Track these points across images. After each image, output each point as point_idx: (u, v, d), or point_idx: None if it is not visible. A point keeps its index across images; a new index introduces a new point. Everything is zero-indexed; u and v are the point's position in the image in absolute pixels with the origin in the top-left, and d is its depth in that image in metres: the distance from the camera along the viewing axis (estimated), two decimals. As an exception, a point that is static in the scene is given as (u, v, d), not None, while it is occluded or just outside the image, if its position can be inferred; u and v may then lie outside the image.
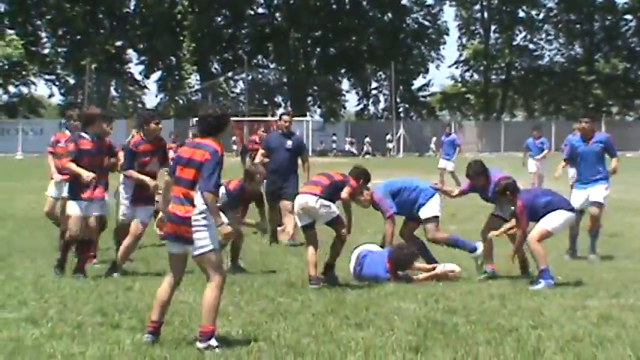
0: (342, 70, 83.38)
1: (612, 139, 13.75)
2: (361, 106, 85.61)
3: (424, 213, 11.96)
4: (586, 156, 13.40)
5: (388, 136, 67.45)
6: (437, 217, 12.03)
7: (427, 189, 12.08)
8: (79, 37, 75.57)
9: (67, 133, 13.70)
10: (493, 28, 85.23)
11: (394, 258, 11.36)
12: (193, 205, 7.47)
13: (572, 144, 13.88)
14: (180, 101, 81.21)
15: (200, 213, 7.45)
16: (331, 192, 10.80)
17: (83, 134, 11.47)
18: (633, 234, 15.90)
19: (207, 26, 77.02)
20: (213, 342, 7.41)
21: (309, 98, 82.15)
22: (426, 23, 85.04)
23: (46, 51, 78.97)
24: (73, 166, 11.32)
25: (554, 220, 11.01)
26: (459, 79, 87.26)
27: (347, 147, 68.27)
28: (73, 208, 11.43)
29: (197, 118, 8.09)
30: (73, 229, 11.38)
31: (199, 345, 7.41)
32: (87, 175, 11.13)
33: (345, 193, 10.76)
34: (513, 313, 9.18)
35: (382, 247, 11.84)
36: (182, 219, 7.50)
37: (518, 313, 9.18)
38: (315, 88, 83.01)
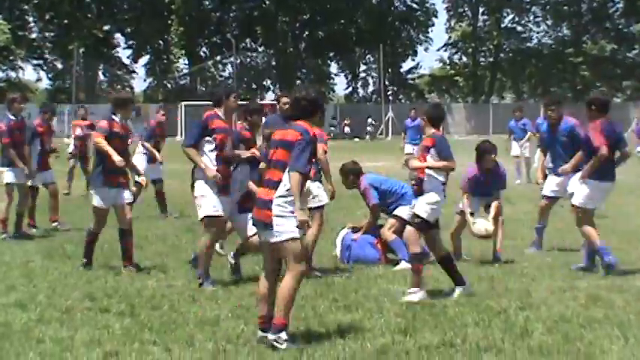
0: (331, 54, 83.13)
1: (581, 126, 12.30)
2: (350, 89, 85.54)
3: (398, 210, 11.57)
4: (553, 144, 12.52)
5: (370, 120, 67.30)
6: (405, 220, 11.22)
7: (411, 195, 11.59)
8: (66, 21, 75.10)
9: (12, 117, 13.77)
10: (481, 10, 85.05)
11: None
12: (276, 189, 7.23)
13: (541, 131, 13.32)
14: (169, 85, 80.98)
15: (281, 197, 7.16)
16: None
17: (114, 117, 10.94)
18: (621, 216, 15.93)
19: (195, 10, 76.63)
20: (283, 335, 7.09)
21: (298, 82, 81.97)
22: (414, 6, 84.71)
23: (34, 35, 78.57)
24: (105, 145, 10.69)
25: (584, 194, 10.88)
26: (448, 62, 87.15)
27: (346, 129, 68.01)
28: (100, 201, 10.79)
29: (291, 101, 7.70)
30: (101, 222, 10.86)
31: (269, 336, 7.15)
32: (119, 159, 10.61)
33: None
34: (502, 295, 9.22)
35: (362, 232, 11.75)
36: (264, 202, 7.24)
37: (507, 295, 9.22)
38: (304, 71, 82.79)
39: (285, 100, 12.99)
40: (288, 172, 7.13)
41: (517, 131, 24.11)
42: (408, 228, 9.49)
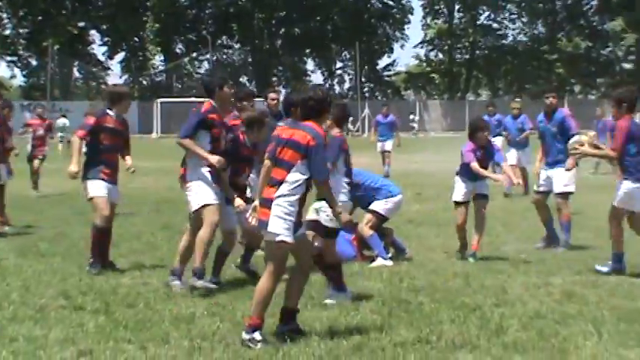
0: (307, 50, 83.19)
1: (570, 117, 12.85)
2: (326, 86, 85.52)
3: (374, 205, 11.41)
4: (546, 135, 12.74)
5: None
6: (381, 215, 11.43)
7: (386, 189, 11.58)
8: (40, 17, 74.76)
9: None
10: (457, 7, 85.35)
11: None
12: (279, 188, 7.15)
13: (537, 122, 13.24)
14: (145, 82, 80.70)
15: (282, 196, 7.09)
16: None
17: (108, 111, 10.64)
18: (596, 212, 15.98)
19: (170, 7, 76.44)
20: (257, 335, 7.05)
21: (274, 78, 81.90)
22: (391, 3, 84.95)
23: (7, 32, 78.09)
24: (76, 147, 10.53)
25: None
26: (424, 59, 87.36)
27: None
28: (98, 190, 10.38)
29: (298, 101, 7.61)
30: (105, 212, 10.35)
31: (243, 335, 7.11)
32: (73, 170, 10.33)
33: None
34: (477, 292, 9.23)
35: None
36: (266, 200, 7.16)
37: (482, 292, 9.23)
38: (280, 68, 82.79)
39: (273, 96, 12.64)
40: (316, 185, 7.22)
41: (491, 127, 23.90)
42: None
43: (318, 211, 8.56)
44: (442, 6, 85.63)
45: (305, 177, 7.13)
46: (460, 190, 11.69)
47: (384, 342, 7.18)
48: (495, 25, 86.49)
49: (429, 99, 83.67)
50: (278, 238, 7.05)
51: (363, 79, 79.83)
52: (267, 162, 7.36)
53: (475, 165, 11.36)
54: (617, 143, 10.50)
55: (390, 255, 11.20)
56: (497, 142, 23.04)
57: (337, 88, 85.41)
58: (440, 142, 39.51)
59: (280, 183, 7.11)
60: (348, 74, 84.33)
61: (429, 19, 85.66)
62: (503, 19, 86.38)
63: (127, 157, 10.97)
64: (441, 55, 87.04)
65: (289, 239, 7.06)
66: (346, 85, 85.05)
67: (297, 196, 7.10)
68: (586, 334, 7.42)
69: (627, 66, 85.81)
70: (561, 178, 12.42)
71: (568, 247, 12.28)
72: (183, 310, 8.26)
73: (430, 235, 12.30)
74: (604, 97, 75.32)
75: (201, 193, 9.30)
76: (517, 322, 7.85)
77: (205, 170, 9.34)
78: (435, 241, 12.30)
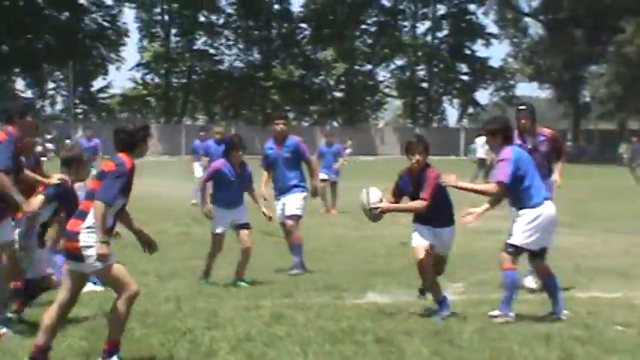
0: (17, 69, 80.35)
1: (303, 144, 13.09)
2: (38, 106, 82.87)
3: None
4: (278, 162, 12.84)
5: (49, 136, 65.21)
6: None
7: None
8: None
9: None
10: (174, 31, 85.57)
11: None
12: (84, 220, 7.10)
13: (265, 149, 13.17)
14: None
15: (89, 227, 7.09)
16: None
17: None
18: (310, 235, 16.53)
19: None
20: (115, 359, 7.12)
21: (-19, 98, 78.50)
22: (105, 24, 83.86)
23: None
24: None
25: None
26: (140, 82, 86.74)
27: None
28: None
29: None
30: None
31: None
32: None
33: None
34: (188, 315, 9.29)
35: None
36: (71, 233, 7.13)
37: (194, 315, 9.30)
38: (-12, 87, 79.47)
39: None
40: (94, 200, 7.07)
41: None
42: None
43: None
44: (159, 29, 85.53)
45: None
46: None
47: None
48: (212, 51, 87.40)
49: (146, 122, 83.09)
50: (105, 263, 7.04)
51: (76, 101, 78.10)
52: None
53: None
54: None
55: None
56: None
57: (49, 109, 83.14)
58: (155, 165, 39.39)
59: (86, 215, 7.13)
60: (61, 95, 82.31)
61: (145, 42, 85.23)
62: (219, 44, 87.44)
63: None
64: (157, 79, 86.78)
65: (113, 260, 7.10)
66: (59, 106, 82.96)
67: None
68: (293, 355, 7.66)
69: (338, 94, 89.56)
70: (293, 202, 12.79)
71: (302, 269, 12.62)
72: None
73: (143, 259, 12.19)
74: (316, 125, 78.12)
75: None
76: (227, 345, 7.98)
77: None
78: (149, 266, 12.24)
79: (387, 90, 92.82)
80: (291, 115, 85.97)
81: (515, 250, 9.30)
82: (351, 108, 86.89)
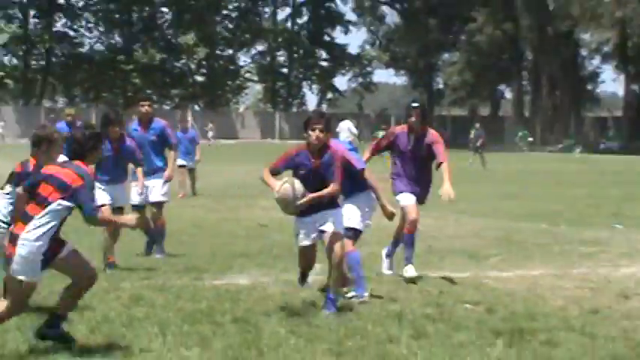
0: None
1: (170, 128, 12.81)
2: None
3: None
4: (144, 144, 12.30)
5: None
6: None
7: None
8: None
9: None
10: (32, 12, 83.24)
11: None
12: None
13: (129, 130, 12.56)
14: None
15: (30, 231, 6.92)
16: None
17: None
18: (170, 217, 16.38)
19: None
20: None
21: None
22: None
23: None
24: None
25: None
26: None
27: None
28: None
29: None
30: None
31: None
32: None
33: None
34: (47, 298, 8.99)
35: None
36: (15, 237, 6.92)
37: (53, 298, 9.04)
38: None
39: None
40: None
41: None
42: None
43: None
44: (16, 10, 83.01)
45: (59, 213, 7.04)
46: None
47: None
48: (72, 33, 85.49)
49: (3, 105, 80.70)
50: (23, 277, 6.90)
51: None
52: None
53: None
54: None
55: None
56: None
57: None
58: (14, 149, 38.29)
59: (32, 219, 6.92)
60: None
61: (2, 23, 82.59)
62: (80, 27, 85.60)
63: None
64: (15, 61, 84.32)
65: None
66: None
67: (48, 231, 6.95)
68: (151, 336, 7.57)
69: (199, 78, 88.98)
70: (159, 188, 12.47)
71: (163, 253, 12.48)
72: None
73: None
74: (178, 108, 77.38)
75: None
76: (85, 327, 7.83)
77: None
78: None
79: (247, 75, 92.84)
80: (153, 98, 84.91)
81: (354, 233, 9.53)
82: (212, 92, 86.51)
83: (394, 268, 11.10)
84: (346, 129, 10.17)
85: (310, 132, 8.55)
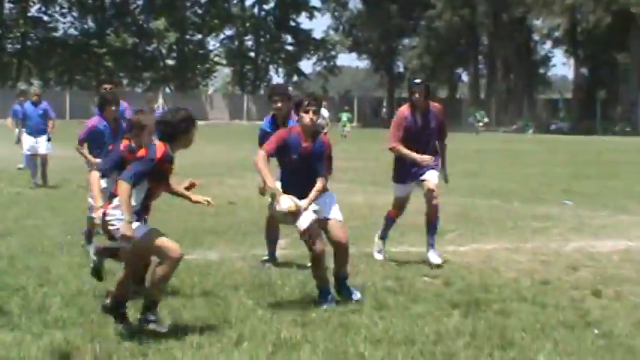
0: None
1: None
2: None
3: None
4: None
5: None
6: None
7: None
8: None
9: None
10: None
11: None
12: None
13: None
14: None
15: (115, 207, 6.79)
16: None
17: None
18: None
19: None
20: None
21: None
22: None
23: None
24: None
25: None
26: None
27: None
28: None
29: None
30: None
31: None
32: None
33: None
34: (21, 272, 8.99)
35: None
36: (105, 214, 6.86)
37: (26, 273, 9.00)
38: None
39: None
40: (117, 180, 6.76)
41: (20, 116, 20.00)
42: None
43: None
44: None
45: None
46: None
47: None
48: (46, 18, 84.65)
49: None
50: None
51: None
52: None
53: None
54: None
55: None
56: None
57: None
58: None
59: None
60: None
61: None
62: (54, 12, 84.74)
63: None
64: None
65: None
66: None
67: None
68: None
69: (170, 62, 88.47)
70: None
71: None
72: None
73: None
74: (149, 90, 76.84)
75: None
76: (60, 301, 7.77)
77: None
78: None
79: (216, 58, 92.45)
80: (125, 82, 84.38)
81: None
82: (182, 75, 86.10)
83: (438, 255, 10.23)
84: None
85: (304, 114, 7.91)
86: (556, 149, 41.48)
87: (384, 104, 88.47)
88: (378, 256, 10.48)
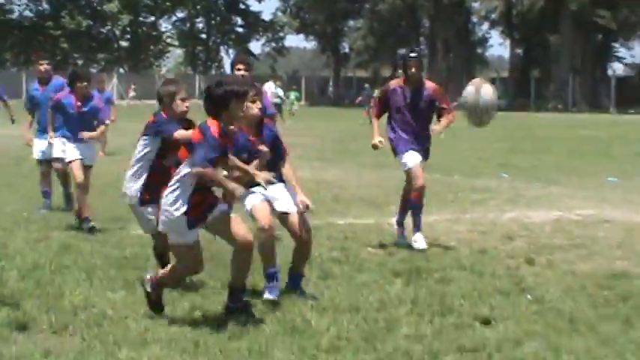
0: None
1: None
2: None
3: None
4: (42, 103, 11.59)
5: None
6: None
7: None
8: None
9: None
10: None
11: None
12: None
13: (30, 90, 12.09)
14: None
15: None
16: None
17: None
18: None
19: None
20: None
21: None
22: None
23: None
24: None
25: None
26: None
27: None
28: None
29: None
30: None
31: None
32: None
33: None
34: (-22, 249, 8.84)
35: None
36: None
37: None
38: None
39: None
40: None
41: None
42: None
43: None
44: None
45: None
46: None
47: None
48: (2, 1, 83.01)
49: None
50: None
51: None
52: None
53: None
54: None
55: None
56: None
57: None
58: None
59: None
60: None
61: None
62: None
63: None
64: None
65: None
66: None
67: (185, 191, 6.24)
68: (80, 281, 7.46)
69: (124, 44, 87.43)
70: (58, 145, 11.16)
71: (49, 208, 11.76)
72: None
73: None
74: (104, 71, 75.87)
75: None
76: (17, 274, 7.66)
77: None
78: None
79: (169, 40, 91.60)
80: (79, 62, 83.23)
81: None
82: (136, 56, 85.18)
83: (406, 237, 9.72)
84: (268, 90, 9.68)
85: (250, 104, 6.92)
86: (493, 125, 41.62)
87: (331, 83, 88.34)
88: (422, 245, 9.35)
